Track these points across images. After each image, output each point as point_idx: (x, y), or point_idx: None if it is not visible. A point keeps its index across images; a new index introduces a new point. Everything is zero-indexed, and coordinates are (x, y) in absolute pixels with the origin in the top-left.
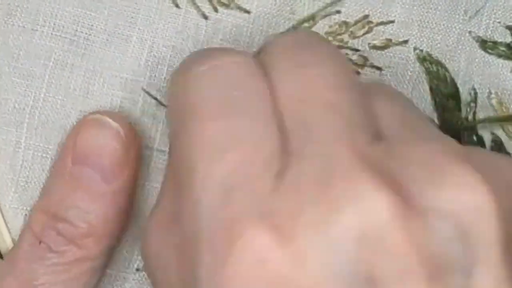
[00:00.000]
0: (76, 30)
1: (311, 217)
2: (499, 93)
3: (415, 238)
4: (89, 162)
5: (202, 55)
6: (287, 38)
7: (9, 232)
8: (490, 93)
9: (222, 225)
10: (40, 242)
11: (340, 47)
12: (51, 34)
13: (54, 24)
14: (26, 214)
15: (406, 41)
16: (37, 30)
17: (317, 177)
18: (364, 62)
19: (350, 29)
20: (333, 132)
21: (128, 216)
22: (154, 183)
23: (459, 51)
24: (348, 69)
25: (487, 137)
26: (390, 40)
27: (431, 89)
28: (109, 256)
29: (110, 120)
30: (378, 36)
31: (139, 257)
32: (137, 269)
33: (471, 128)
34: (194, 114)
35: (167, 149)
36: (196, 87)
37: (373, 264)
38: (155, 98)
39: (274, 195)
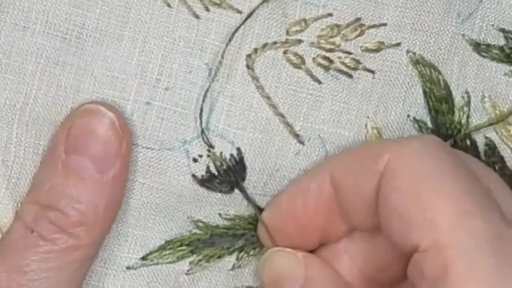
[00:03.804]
0: (68, 29)
1: None
2: (492, 97)
3: None
4: (83, 151)
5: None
6: None
7: (0, 228)
8: (483, 96)
9: None
10: (32, 232)
11: (332, 50)
12: (43, 32)
13: (46, 22)
14: (17, 210)
15: (398, 44)
16: (29, 27)
17: None
18: (357, 65)
19: (342, 32)
20: None
21: (119, 206)
22: (141, 179)
23: (452, 54)
24: None
25: (480, 141)
26: (383, 43)
27: (424, 92)
28: (100, 245)
29: (105, 110)
30: (370, 39)
31: (130, 255)
32: (128, 267)
33: (465, 132)
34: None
35: (155, 146)
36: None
37: None
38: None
39: None
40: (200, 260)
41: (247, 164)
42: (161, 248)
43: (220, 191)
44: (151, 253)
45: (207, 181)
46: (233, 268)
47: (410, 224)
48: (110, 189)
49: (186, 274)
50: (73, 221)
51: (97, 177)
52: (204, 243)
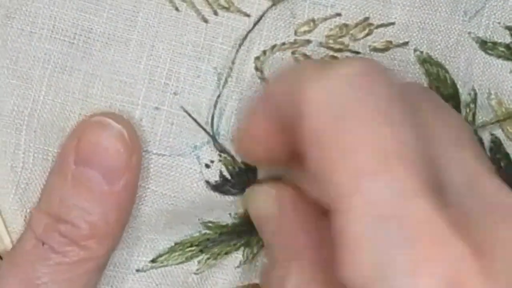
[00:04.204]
0: (75, 33)
1: None
2: (498, 94)
3: None
4: (93, 164)
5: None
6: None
7: (9, 234)
8: (489, 94)
9: None
10: (43, 244)
11: (340, 50)
12: (50, 36)
13: (53, 26)
14: (26, 216)
15: (406, 43)
16: (36, 32)
17: None
18: None
19: (351, 32)
20: None
21: (129, 216)
22: (153, 187)
23: (459, 52)
24: None
25: (486, 138)
26: (391, 42)
27: None
28: (110, 256)
29: (114, 122)
30: (378, 38)
31: (139, 258)
32: (137, 270)
33: None
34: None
35: (166, 153)
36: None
37: None
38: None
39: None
40: (208, 258)
41: None
42: (171, 250)
43: (232, 194)
44: (160, 255)
45: (220, 186)
46: (239, 266)
47: (320, 179)
48: (120, 200)
49: (195, 273)
50: (85, 234)
51: (107, 189)
52: (214, 242)
